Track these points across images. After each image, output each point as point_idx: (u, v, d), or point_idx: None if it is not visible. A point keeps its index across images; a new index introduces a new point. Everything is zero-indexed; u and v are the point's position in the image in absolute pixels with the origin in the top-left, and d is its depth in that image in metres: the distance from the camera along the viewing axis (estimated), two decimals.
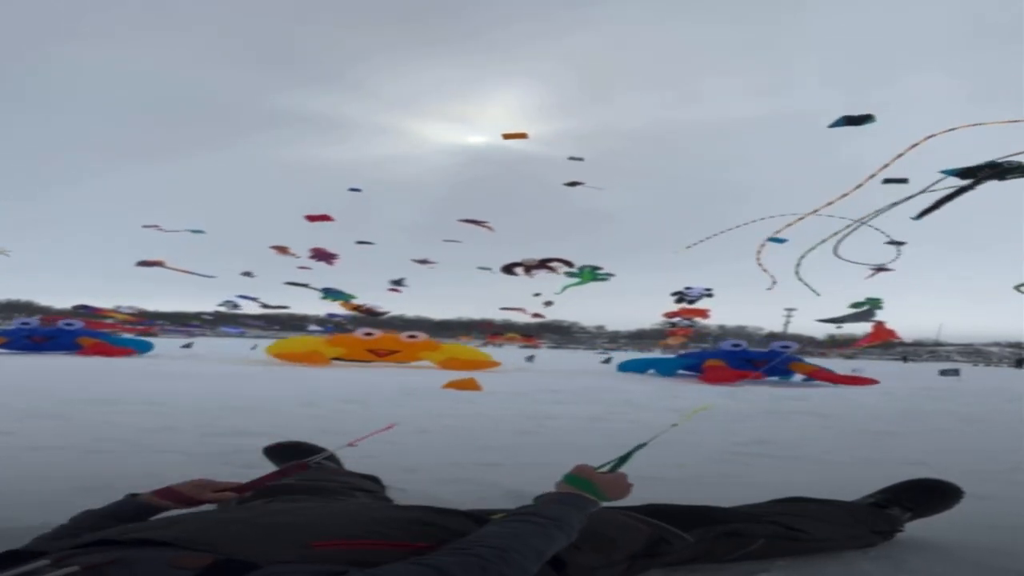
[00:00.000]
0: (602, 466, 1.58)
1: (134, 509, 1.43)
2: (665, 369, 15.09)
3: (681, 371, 14.80)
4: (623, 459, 1.66)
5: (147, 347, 17.44)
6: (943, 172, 5.48)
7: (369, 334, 16.66)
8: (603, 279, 18.68)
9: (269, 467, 2.37)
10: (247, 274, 22.15)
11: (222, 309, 25.33)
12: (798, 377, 13.96)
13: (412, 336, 17.07)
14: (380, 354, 15.80)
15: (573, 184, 15.58)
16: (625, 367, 16.00)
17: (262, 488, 1.76)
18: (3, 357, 13.78)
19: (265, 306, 23.90)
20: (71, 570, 1.00)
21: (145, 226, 19.68)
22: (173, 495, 1.47)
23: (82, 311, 23.49)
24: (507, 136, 13.42)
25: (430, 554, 1.09)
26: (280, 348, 15.91)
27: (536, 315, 24.22)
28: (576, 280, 18.39)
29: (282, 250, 20.59)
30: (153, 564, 1.03)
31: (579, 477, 1.48)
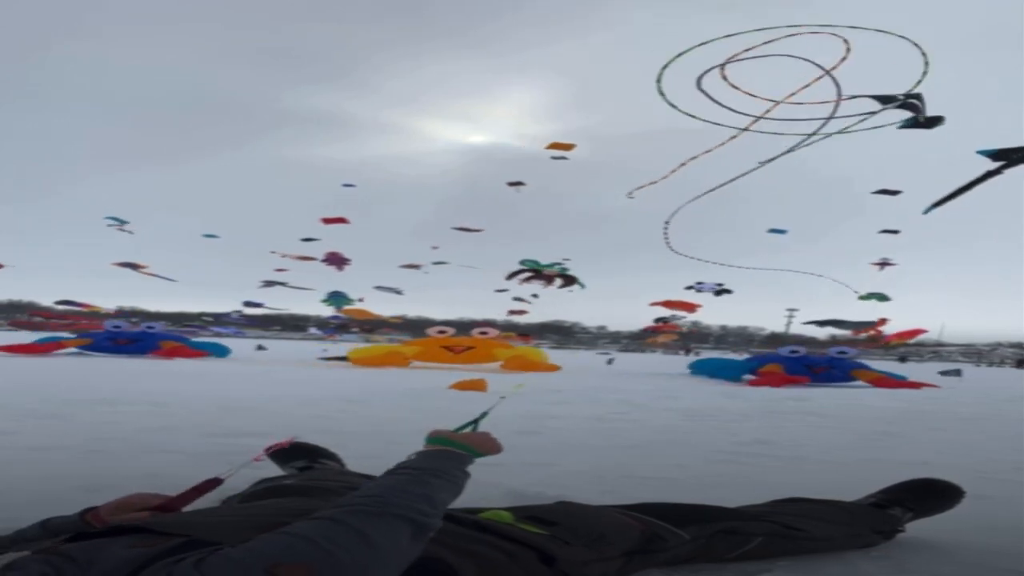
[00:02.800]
0: (457, 429, 1.60)
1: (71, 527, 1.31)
2: (729, 374, 14.14)
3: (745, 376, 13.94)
4: (474, 423, 1.70)
5: (224, 351, 17.20)
6: (979, 152, 5.34)
7: (442, 332, 16.77)
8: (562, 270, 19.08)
9: (273, 468, 2.37)
10: (284, 284, 22.42)
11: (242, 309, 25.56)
12: (858, 382, 13.22)
13: (483, 332, 17.12)
14: (456, 351, 15.72)
15: (515, 184, 15.88)
16: (698, 369, 15.19)
17: (273, 487, 1.75)
18: (76, 358, 14.03)
19: (248, 304, 24.05)
20: (22, 554, 1.02)
21: (109, 224, 19.79)
22: (97, 518, 1.33)
23: (65, 305, 23.56)
24: (553, 147, 13.35)
25: (298, 521, 1.08)
26: (362, 353, 15.99)
27: (515, 312, 24.54)
28: (558, 268, 18.75)
29: (304, 259, 20.81)
30: (112, 546, 1.04)
31: (441, 437, 1.48)
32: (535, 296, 20.61)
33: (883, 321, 19.17)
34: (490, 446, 1.53)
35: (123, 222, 19.45)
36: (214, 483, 1.51)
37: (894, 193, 14.35)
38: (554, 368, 15.03)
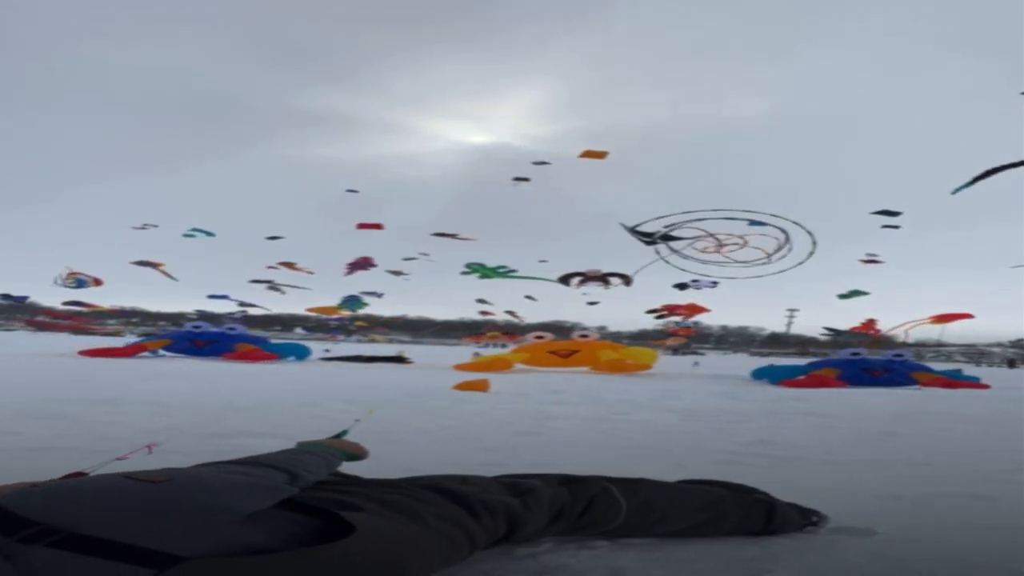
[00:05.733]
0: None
1: None
2: (777, 377, 13.53)
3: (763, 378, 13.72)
4: (338, 436, 2.13)
5: (304, 352, 17.25)
6: None
7: (540, 337, 17.28)
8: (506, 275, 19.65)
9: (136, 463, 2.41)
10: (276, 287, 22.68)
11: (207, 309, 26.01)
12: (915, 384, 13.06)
13: (584, 336, 17.40)
14: (562, 355, 15.89)
15: (520, 180, 16.27)
16: (759, 374, 14.54)
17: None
18: (151, 360, 14.36)
19: (242, 304, 24.27)
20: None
21: (138, 227, 20.19)
22: None
23: (73, 306, 23.76)
24: (586, 155, 13.85)
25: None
26: (469, 364, 16.09)
27: (509, 312, 24.83)
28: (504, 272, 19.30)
29: (289, 266, 21.12)
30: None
31: (310, 442, 1.89)
32: (593, 303, 20.96)
33: (872, 322, 19.31)
34: (354, 449, 1.88)
35: (209, 234, 20.09)
36: (78, 476, 1.58)
37: (894, 214, 14.69)
38: (646, 367, 15.20)
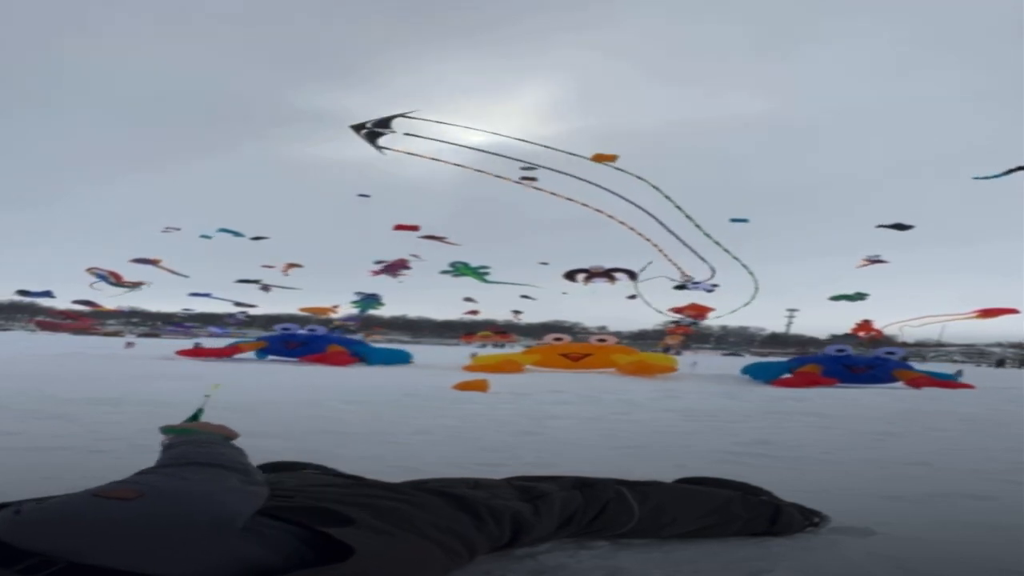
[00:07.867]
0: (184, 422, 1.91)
1: None
2: (772, 374, 13.58)
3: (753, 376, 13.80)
4: (193, 418, 2.04)
5: (405, 357, 17.03)
6: None
7: (559, 339, 17.32)
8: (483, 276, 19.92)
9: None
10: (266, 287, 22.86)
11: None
12: (898, 383, 12.94)
13: (602, 340, 17.39)
14: (574, 358, 15.84)
15: (527, 179, 16.59)
16: (748, 371, 14.57)
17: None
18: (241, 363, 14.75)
19: (238, 303, 24.42)
20: None
21: (166, 229, 20.52)
22: None
23: (81, 305, 23.88)
24: (596, 159, 14.16)
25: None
26: (480, 360, 16.17)
27: (515, 312, 25.14)
28: (474, 272, 19.59)
29: (290, 266, 21.29)
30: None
31: (178, 428, 1.78)
32: (632, 296, 21.18)
33: (868, 323, 19.42)
34: (226, 432, 1.82)
35: (238, 234, 20.34)
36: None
37: (906, 227, 14.78)
38: (671, 369, 15.11)
